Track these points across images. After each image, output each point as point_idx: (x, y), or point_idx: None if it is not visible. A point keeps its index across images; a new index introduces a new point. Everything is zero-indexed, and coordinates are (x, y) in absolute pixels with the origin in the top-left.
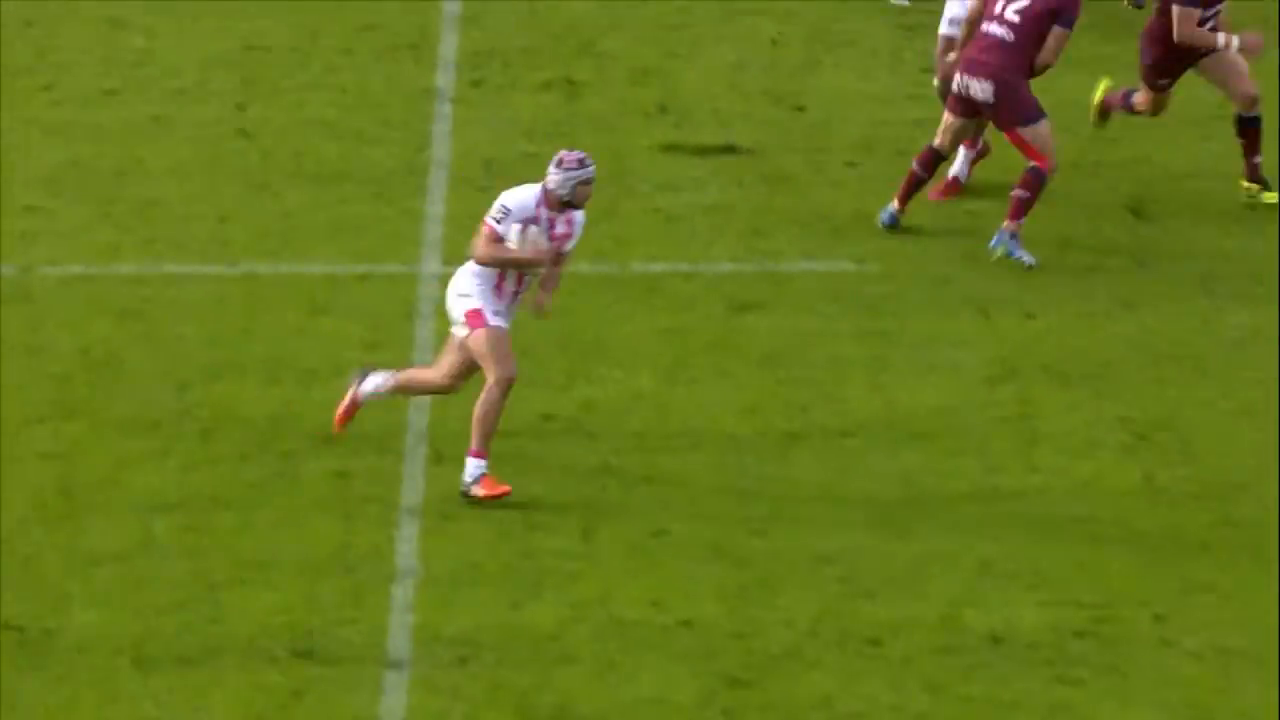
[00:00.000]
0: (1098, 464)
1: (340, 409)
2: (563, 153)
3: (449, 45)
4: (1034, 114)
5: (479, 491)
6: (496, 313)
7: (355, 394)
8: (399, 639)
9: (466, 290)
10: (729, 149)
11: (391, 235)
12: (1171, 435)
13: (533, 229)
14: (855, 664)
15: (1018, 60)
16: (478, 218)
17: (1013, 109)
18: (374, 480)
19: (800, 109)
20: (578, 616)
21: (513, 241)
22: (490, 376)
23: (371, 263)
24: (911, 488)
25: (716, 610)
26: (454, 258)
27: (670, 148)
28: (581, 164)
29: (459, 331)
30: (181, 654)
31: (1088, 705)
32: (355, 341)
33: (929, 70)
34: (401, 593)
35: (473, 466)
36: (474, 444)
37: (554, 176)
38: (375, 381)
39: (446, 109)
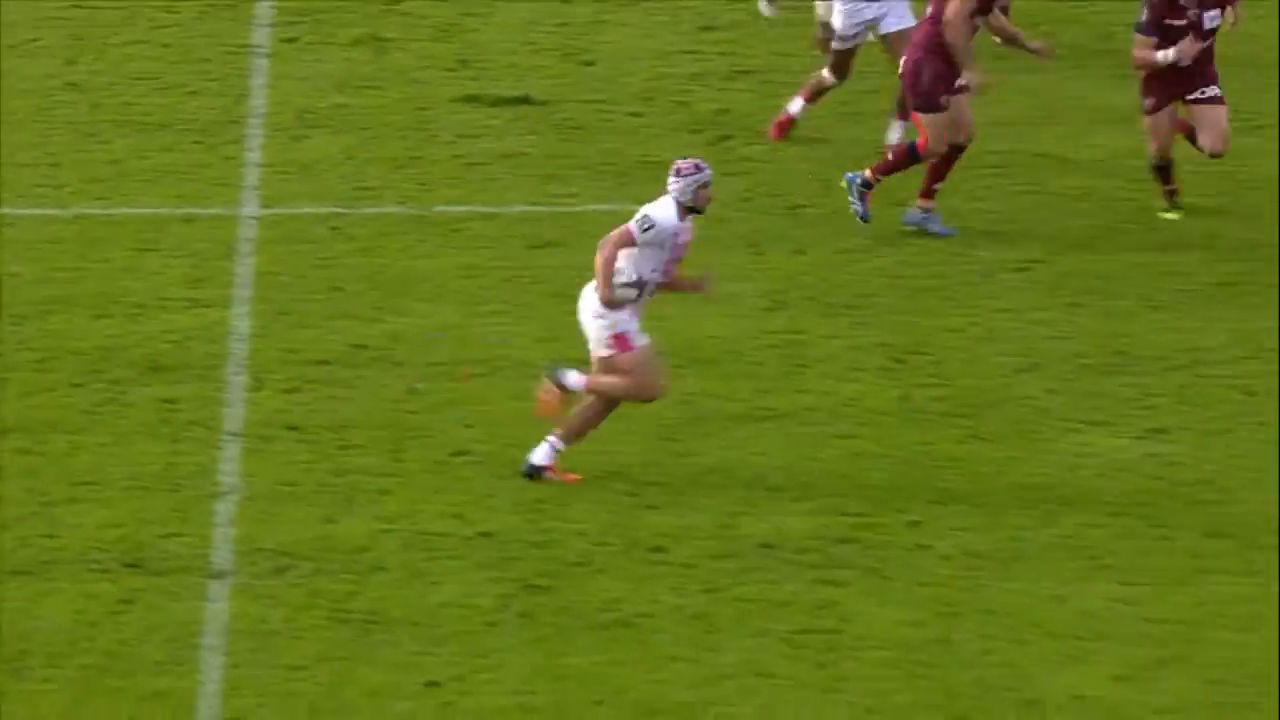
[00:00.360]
0: (860, 386)
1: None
2: (679, 162)
3: (264, 5)
4: (930, 104)
5: (548, 475)
6: (641, 331)
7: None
8: (222, 551)
9: (603, 311)
10: (524, 100)
11: (212, 180)
12: (925, 359)
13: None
14: (641, 569)
15: (925, 39)
16: (293, 164)
17: (913, 91)
18: (198, 405)
19: (589, 63)
20: (387, 529)
21: (629, 262)
22: (624, 391)
23: (194, 205)
24: (692, 408)
25: (514, 522)
26: (271, 201)
27: (470, 99)
28: (698, 169)
29: (603, 352)
30: (19, 566)
31: (850, 603)
32: (179, 278)
33: (707, 29)
34: (224, 509)
35: (546, 449)
36: (560, 432)
37: (675, 185)
38: (572, 379)
39: (263, 64)
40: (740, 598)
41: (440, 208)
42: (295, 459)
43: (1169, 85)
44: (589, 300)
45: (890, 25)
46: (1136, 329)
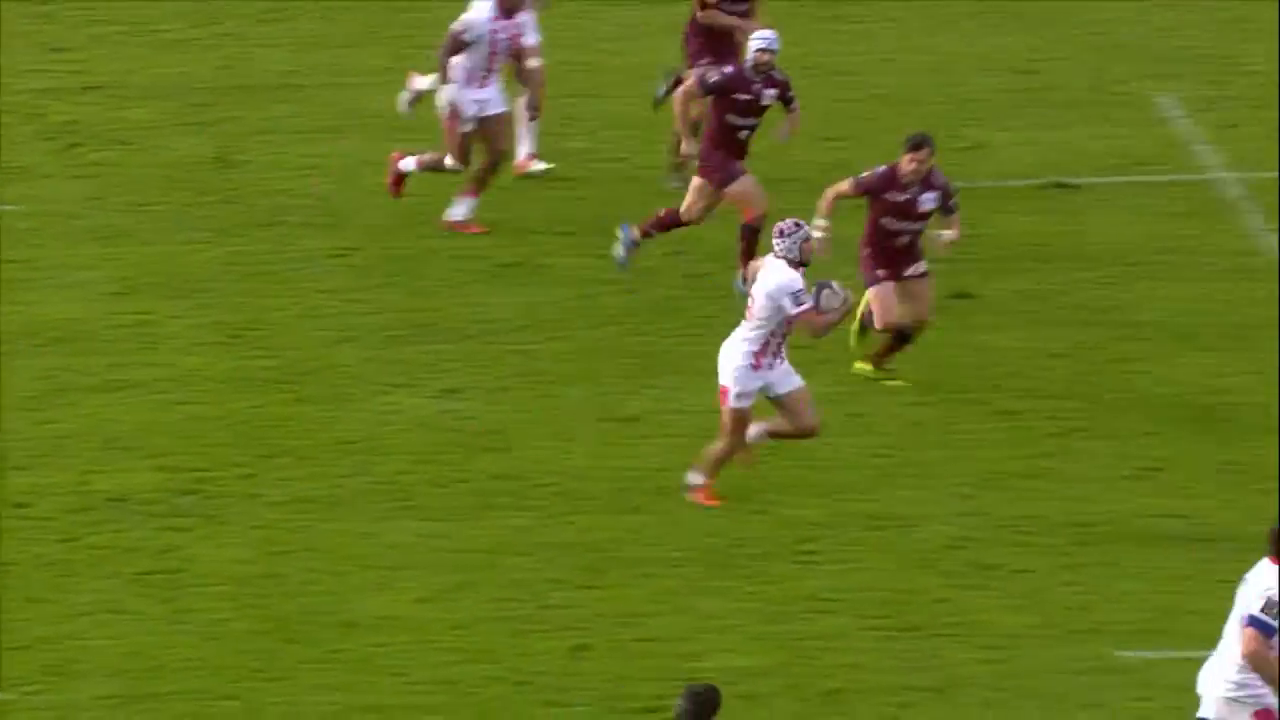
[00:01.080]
0: (201, 358)
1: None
2: (779, 224)
3: None
4: (724, 180)
5: (694, 495)
6: (741, 395)
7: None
8: None
9: (729, 363)
10: None
11: None
12: (258, 334)
13: (824, 292)
14: (6, 524)
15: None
16: None
17: (704, 169)
18: None
19: None
20: None
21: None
22: (721, 442)
23: None
24: (51, 381)
25: None
26: None
27: None
28: (798, 226)
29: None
30: None
31: (191, 546)
32: None
33: (57, 50)
34: None
35: (694, 476)
36: (701, 469)
37: (782, 244)
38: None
39: None
40: (93, 545)
41: None
42: None
43: (893, 265)
44: (729, 347)
45: (490, 110)
46: (435, 304)
